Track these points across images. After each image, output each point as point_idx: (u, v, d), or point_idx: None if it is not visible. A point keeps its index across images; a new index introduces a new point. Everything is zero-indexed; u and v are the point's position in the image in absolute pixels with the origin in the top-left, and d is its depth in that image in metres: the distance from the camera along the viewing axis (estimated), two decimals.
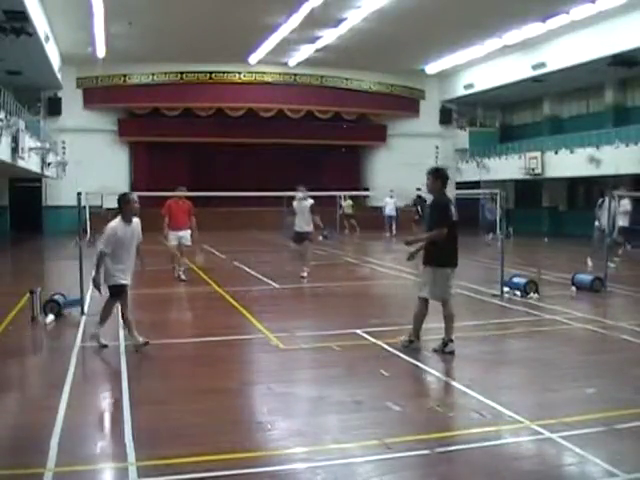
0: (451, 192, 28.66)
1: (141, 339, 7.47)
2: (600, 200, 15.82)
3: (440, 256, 7.19)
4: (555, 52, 24.42)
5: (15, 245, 23.86)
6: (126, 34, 23.40)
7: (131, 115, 30.88)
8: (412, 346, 7.32)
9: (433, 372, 6.55)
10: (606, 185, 16.51)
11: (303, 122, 31.51)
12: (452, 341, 7.21)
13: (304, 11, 20.62)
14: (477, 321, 9.25)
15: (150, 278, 14.35)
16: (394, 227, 26.93)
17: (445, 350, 7.17)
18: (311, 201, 13.49)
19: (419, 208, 22.00)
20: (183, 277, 12.86)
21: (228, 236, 23.76)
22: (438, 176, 7.33)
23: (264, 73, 30.44)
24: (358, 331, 8.25)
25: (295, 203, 13.63)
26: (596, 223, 15.49)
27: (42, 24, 19.98)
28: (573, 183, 28.63)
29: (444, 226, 7.13)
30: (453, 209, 7.23)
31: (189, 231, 12.95)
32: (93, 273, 7.79)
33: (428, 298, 7.32)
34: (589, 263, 14.76)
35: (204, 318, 10.20)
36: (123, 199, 7.51)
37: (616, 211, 14.38)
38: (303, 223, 13.38)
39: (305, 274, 13.28)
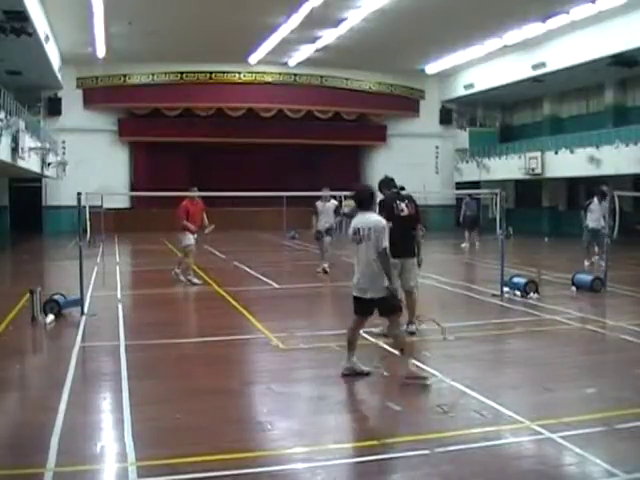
0: (450, 192, 28.62)
1: (365, 368, 6.38)
2: (587, 201, 16.00)
3: None
4: (555, 52, 24.42)
5: (15, 245, 23.86)
6: (126, 34, 23.41)
7: (131, 115, 30.87)
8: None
9: (433, 372, 6.54)
10: (598, 186, 16.51)
11: (303, 122, 31.51)
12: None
13: (304, 11, 20.62)
14: (477, 321, 9.25)
15: (150, 278, 14.40)
16: None
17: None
18: (335, 202, 14.26)
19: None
20: (196, 281, 12.68)
21: (228, 236, 23.74)
22: (380, 186, 8.13)
23: (264, 73, 30.44)
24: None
25: (319, 203, 14.02)
26: (588, 223, 15.51)
27: (42, 24, 19.99)
28: (573, 183, 28.64)
29: (388, 221, 7.79)
30: (402, 205, 7.93)
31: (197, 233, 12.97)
32: (386, 282, 6.09)
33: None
34: (586, 263, 14.92)
35: (204, 318, 10.21)
36: (372, 193, 6.36)
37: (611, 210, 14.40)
38: (326, 222, 13.97)
39: (327, 269, 13.87)
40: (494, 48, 25.53)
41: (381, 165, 32.54)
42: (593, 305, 10.72)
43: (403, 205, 7.94)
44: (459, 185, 31.42)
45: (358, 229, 6.10)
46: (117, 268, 15.80)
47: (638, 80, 25.51)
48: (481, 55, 26.96)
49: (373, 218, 6.15)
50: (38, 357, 7.97)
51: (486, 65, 28.59)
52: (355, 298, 6.21)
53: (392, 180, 8.31)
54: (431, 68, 29.94)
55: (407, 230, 8.00)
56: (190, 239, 12.65)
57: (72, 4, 20.10)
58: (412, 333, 7.99)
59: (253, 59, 28.60)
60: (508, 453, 4.64)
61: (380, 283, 6.02)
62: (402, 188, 8.43)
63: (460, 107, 33.63)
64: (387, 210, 7.92)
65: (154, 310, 10.51)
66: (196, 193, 12.73)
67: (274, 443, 4.78)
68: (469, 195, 22.38)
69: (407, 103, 32.97)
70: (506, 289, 11.07)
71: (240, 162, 30.99)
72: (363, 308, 6.20)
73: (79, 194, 9.66)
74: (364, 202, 6.24)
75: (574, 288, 11.52)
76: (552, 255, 20.20)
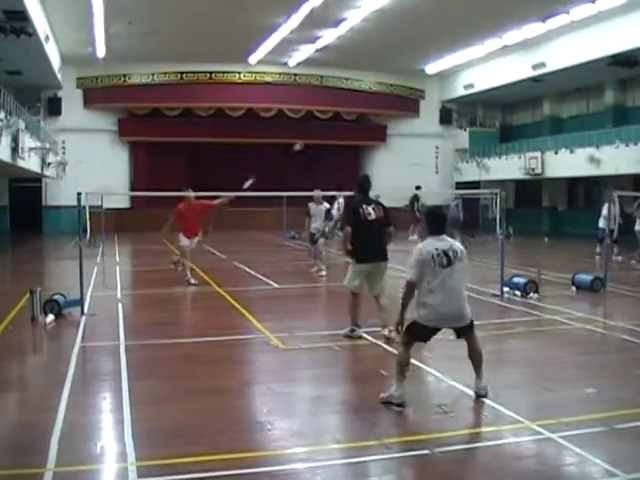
0: (450, 192, 28.69)
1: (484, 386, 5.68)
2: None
3: (354, 252, 7.92)
4: (555, 52, 24.42)
5: (15, 245, 23.86)
6: (126, 34, 23.41)
7: (131, 115, 30.86)
8: (354, 334, 7.90)
9: (433, 372, 6.55)
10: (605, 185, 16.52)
11: (303, 122, 31.49)
12: (353, 330, 7.93)
13: (304, 11, 20.62)
14: (477, 321, 9.10)
15: (150, 278, 14.40)
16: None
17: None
18: (327, 205, 14.25)
19: (417, 207, 22.03)
20: (193, 281, 12.52)
21: (228, 236, 23.74)
22: (355, 185, 8.22)
23: (264, 73, 30.43)
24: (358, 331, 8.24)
25: (312, 205, 13.95)
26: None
27: (42, 24, 19.98)
28: (573, 183, 28.65)
29: (346, 225, 8.02)
30: (370, 209, 7.80)
31: (197, 237, 12.75)
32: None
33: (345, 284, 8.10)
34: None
35: (204, 318, 10.21)
36: (445, 217, 5.93)
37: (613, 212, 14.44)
38: (318, 225, 13.93)
39: (323, 273, 13.79)
40: (494, 48, 25.51)
41: (381, 165, 32.62)
42: (593, 305, 10.72)
43: (370, 209, 7.82)
44: (459, 185, 31.44)
45: (444, 251, 5.44)
46: (117, 268, 15.80)
47: (638, 80, 25.51)
48: (481, 55, 26.94)
49: (455, 242, 5.66)
50: (38, 357, 7.97)
51: (486, 65, 28.58)
52: (427, 327, 5.49)
53: (367, 181, 8.23)
54: (431, 68, 29.93)
55: (377, 234, 7.86)
56: (183, 240, 12.54)
57: (72, 4, 20.10)
58: (388, 339, 7.62)
59: (253, 59, 28.59)
60: (508, 453, 4.64)
61: (467, 309, 5.59)
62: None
63: (460, 107, 33.61)
64: (350, 214, 7.92)
65: (154, 310, 10.51)
66: (191, 194, 12.48)
67: (274, 443, 4.78)
68: (460, 197, 22.38)
69: (407, 103, 32.95)
70: (506, 289, 11.07)
71: (240, 162, 30.94)
72: (431, 335, 5.61)
73: (79, 194, 9.67)
74: (440, 225, 5.69)
75: (574, 288, 11.52)
76: (552, 255, 20.20)
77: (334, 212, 25.05)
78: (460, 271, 5.50)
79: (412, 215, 22.22)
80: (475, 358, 5.69)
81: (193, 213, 12.42)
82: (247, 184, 12.50)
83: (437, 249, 5.44)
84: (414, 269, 5.46)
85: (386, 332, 7.75)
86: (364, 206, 7.83)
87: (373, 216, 7.81)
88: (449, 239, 5.61)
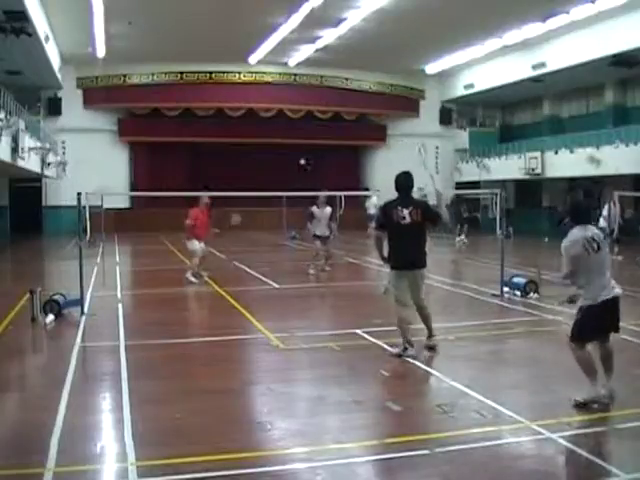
0: (451, 192, 28.74)
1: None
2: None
3: (389, 259, 7.29)
4: (555, 52, 24.42)
5: (15, 245, 23.86)
6: (126, 34, 23.41)
7: (131, 115, 30.88)
8: (407, 354, 6.99)
9: (433, 372, 6.55)
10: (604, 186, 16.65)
11: (303, 122, 31.50)
12: (405, 348, 7.02)
13: (304, 11, 20.62)
14: (477, 321, 9.24)
15: (150, 278, 14.41)
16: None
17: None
18: (330, 209, 14.30)
19: (463, 207, 22.25)
20: (193, 279, 12.61)
21: (228, 236, 23.71)
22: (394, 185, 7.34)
23: (264, 73, 30.44)
24: (358, 331, 8.24)
25: (316, 209, 14.00)
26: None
27: (42, 24, 19.99)
28: (573, 183, 28.64)
29: (375, 227, 7.58)
30: (405, 212, 7.03)
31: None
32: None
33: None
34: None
35: (204, 318, 10.21)
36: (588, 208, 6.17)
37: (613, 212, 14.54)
38: (324, 228, 14.01)
39: (327, 268, 14.24)
40: (494, 48, 25.53)
41: (381, 165, 32.57)
42: None
43: (406, 212, 7.02)
44: (459, 185, 31.43)
45: (592, 238, 5.67)
46: (117, 268, 15.79)
47: (638, 80, 25.51)
48: (481, 55, 26.96)
49: (596, 229, 5.87)
50: (38, 357, 7.97)
51: (486, 65, 28.59)
52: (593, 306, 5.82)
53: (403, 179, 7.25)
54: (431, 68, 29.94)
55: (413, 239, 7.13)
56: (194, 244, 12.70)
57: (72, 4, 20.09)
58: (432, 347, 7.31)
59: (253, 59, 28.60)
60: (508, 453, 4.64)
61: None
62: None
63: (460, 107, 33.63)
64: (385, 218, 7.17)
65: (154, 310, 10.51)
66: (205, 193, 12.68)
67: (274, 443, 4.78)
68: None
69: (407, 103, 32.97)
70: (506, 289, 11.06)
71: (240, 162, 30.98)
72: (603, 314, 5.93)
73: (79, 194, 9.67)
74: (586, 216, 5.90)
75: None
76: (552, 255, 20.16)
77: (371, 211, 25.22)
78: (607, 254, 5.83)
79: (459, 216, 22.37)
80: (605, 358, 5.74)
81: (205, 216, 12.70)
82: (235, 220, 12.86)
83: (586, 238, 5.66)
84: (569, 265, 5.75)
85: (431, 342, 7.32)
86: (399, 208, 7.05)
87: (408, 220, 7.01)
88: (591, 227, 5.79)
